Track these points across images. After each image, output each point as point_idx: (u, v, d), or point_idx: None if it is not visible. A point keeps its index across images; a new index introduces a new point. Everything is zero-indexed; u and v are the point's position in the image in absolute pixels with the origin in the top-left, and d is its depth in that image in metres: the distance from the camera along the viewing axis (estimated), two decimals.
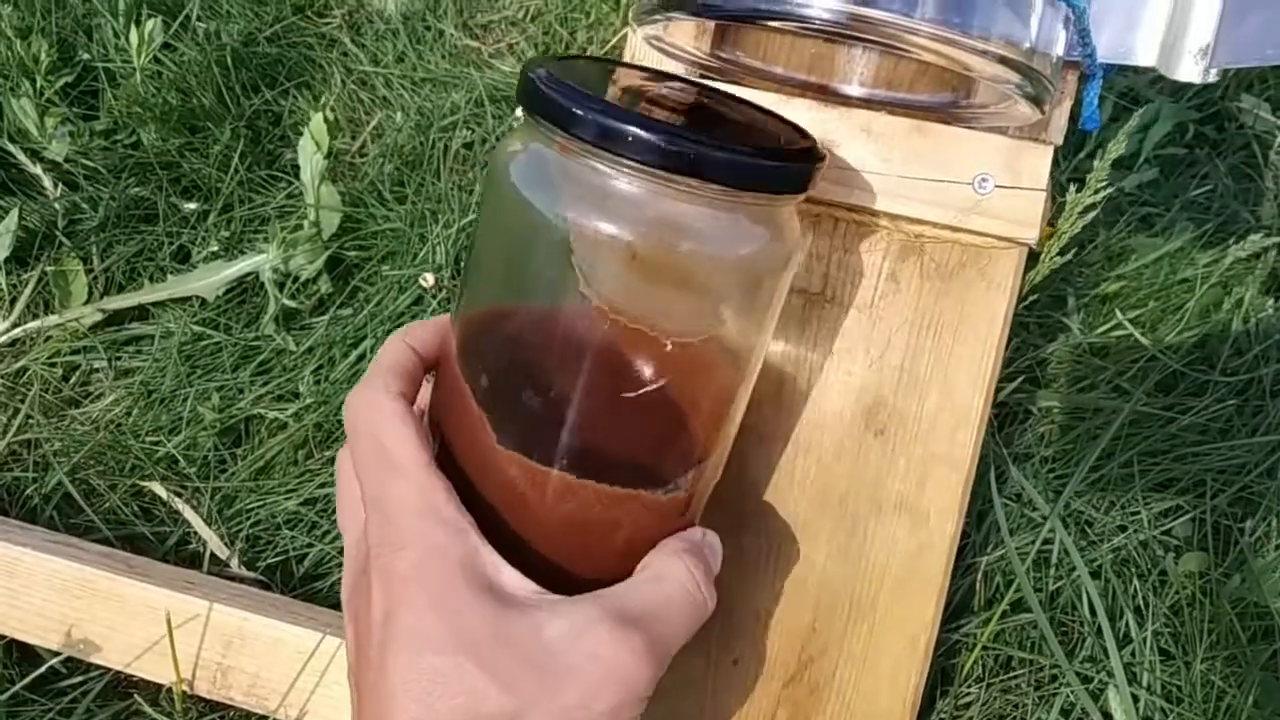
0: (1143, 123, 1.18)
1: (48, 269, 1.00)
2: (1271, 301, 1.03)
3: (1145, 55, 0.55)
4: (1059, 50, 0.52)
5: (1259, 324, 1.00)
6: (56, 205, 1.05)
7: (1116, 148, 0.67)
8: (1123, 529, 0.85)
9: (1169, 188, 1.20)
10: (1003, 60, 0.47)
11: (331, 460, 0.90)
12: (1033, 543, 0.80)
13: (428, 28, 1.31)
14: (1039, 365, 0.95)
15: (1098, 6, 0.55)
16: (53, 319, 0.98)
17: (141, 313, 1.00)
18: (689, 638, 0.46)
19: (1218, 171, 1.22)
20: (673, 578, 0.46)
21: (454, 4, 1.34)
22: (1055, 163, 0.59)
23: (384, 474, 0.43)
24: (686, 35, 0.55)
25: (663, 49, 0.59)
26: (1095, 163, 0.68)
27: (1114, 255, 1.09)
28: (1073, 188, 0.71)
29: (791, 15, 0.46)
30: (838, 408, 0.63)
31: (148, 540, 0.83)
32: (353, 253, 1.02)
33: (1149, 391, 0.93)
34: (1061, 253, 0.73)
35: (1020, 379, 0.94)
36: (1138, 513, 0.86)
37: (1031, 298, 0.92)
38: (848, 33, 0.46)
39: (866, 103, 0.59)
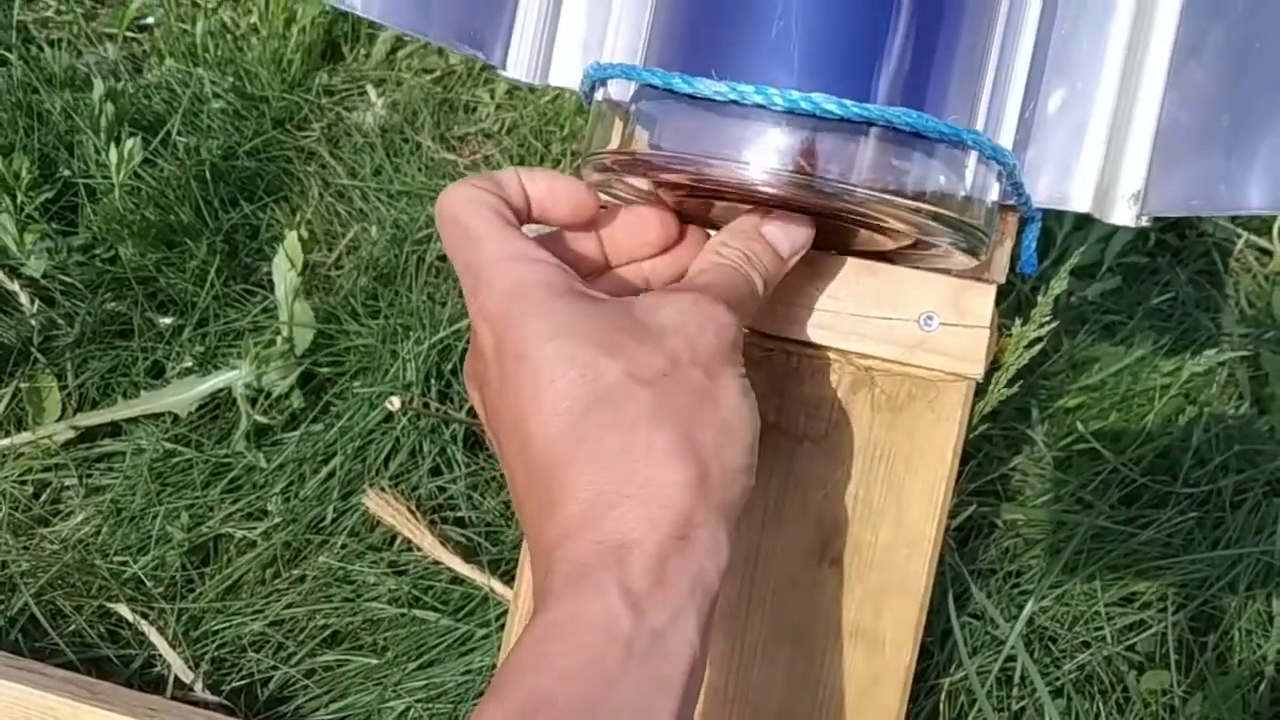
0: (1104, 231, 1.21)
1: (21, 385, 1.01)
2: (1232, 411, 1.05)
3: (1080, 202, 0.57)
4: (994, 197, 0.54)
5: (1220, 434, 1.02)
6: (33, 321, 1.06)
7: (1059, 284, 0.69)
8: (1086, 645, 0.86)
9: (1131, 295, 1.22)
10: (935, 217, 0.49)
11: (300, 579, 0.91)
12: (996, 660, 0.81)
13: (405, 140, 1.34)
14: (1002, 479, 0.96)
15: (1034, 155, 0.57)
16: (25, 436, 0.98)
17: (114, 429, 1.01)
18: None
19: (1179, 280, 1.25)
20: (728, 256, 0.51)
21: (431, 117, 1.37)
22: (999, 296, 0.61)
23: (468, 245, 0.46)
24: (639, 183, 0.57)
25: (612, 195, 0.61)
26: (1040, 297, 0.71)
27: (1078, 364, 1.11)
28: (1017, 321, 0.73)
29: (734, 177, 0.48)
30: (793, 538, 0.64)
31: (112, 664, 0.83)
32: (325, 369, 1.03)
33: (1112, 504, 0.94)
34: (1009, 384, 0.75)
35: (980, 494, 0.95)
36: (1101, 628, 0.87)
37: (981, 426, 0.94)
38: (787, 195, 0.48)
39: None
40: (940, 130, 0.47)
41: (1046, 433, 1.01)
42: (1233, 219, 1.31)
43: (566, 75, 0.62)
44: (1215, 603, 0.88)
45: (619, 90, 0.54)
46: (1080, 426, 0.99)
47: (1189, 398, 1.08)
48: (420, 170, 1.29)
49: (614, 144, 0.54)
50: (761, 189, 0.49)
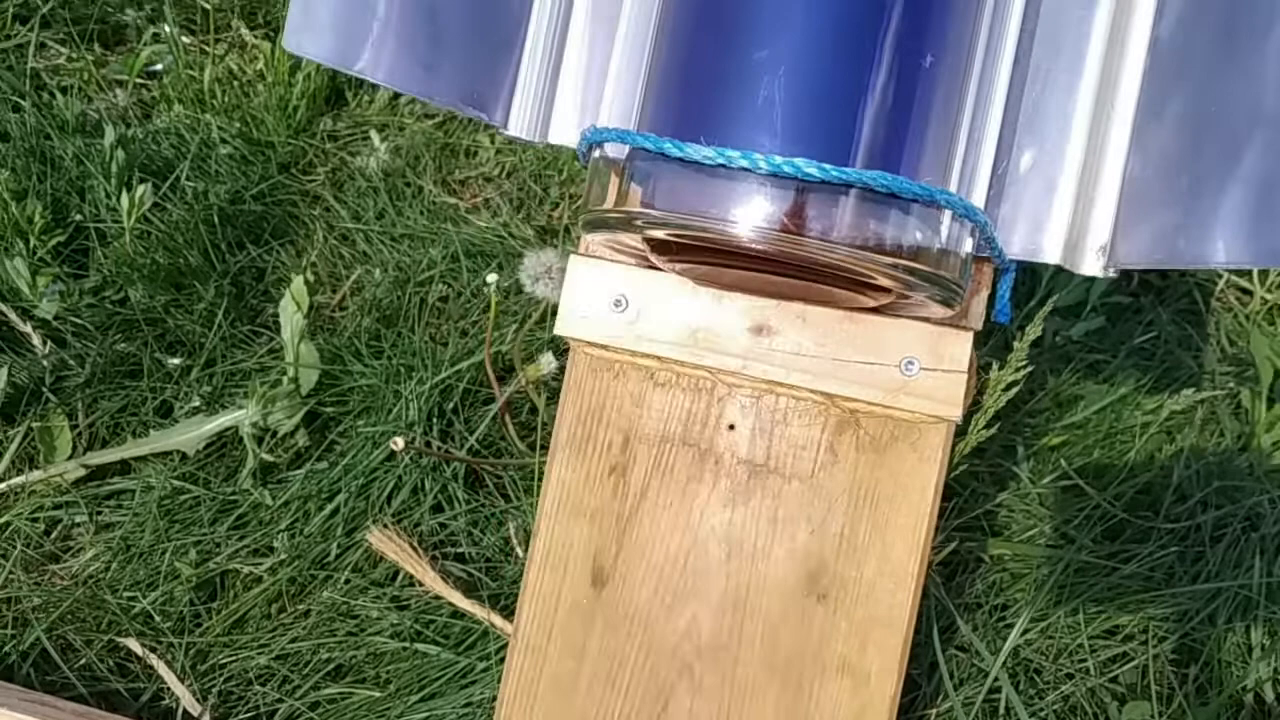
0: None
1: (34, 425, 1.04)
2: (1212, 448, 1.08)
3: (1051, 254, 0.60)
4: (967, 250, 0.57)
5: (1200, 471, 1.04)
6: (44, 362, 1.09)
7: (1034, 330, 0.72)
8: (1070, 677, 0.88)
9: (1115, 335, 1.26)
10: (913, 273, 0.52)
11: (304, 614, 0.93)
12: (980, 692, 0.83)
13: (408, 184, 1.38)
14: (988, 515, 0.99)
15: (1008, 210, 0.61)
16: (37, 474, 1.01)
17: (123, 467, 1.03)
18: None
19: (1161, 319, 1.28)
20: None
21: (433, 161, 1.41)
22: (977, 342, 0.64)
23: None
24: (634, 239, 0.60)
25: (614, 247, 0.64)
26: (1015, 343, 0.74)
27: (1063, 402, 1.14)
28: (995, 365, 0.76)
29: (724, 235, 0.51)
30: (782, 573, 0.66)
31: (122, 697, 0.86)
32: (330, 408, 1.06)
33: (1094, 539, 0.97)
34: (988, 425, 0.78)
35: (967, 530, 0.97)
36: (1084, 660, 0.89)
37: (961, 466, 0.97)
38: (773, 252, 0.51)
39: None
40: (915, 191, 0.51)
41: (1031, 469, 1.04)
42: None
43: (565, 134, 0.65)
44: (1196, 635, 0.91)
45: (615, 150, 0.57)
46: (1064, 463, 1.02)
47: (1170, 435, 1.11)
48: (422, 213, 1.33)
49: (610, 201, 0.57)
50: (749, 246, 0.52)
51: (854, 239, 0.52)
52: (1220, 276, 1.34)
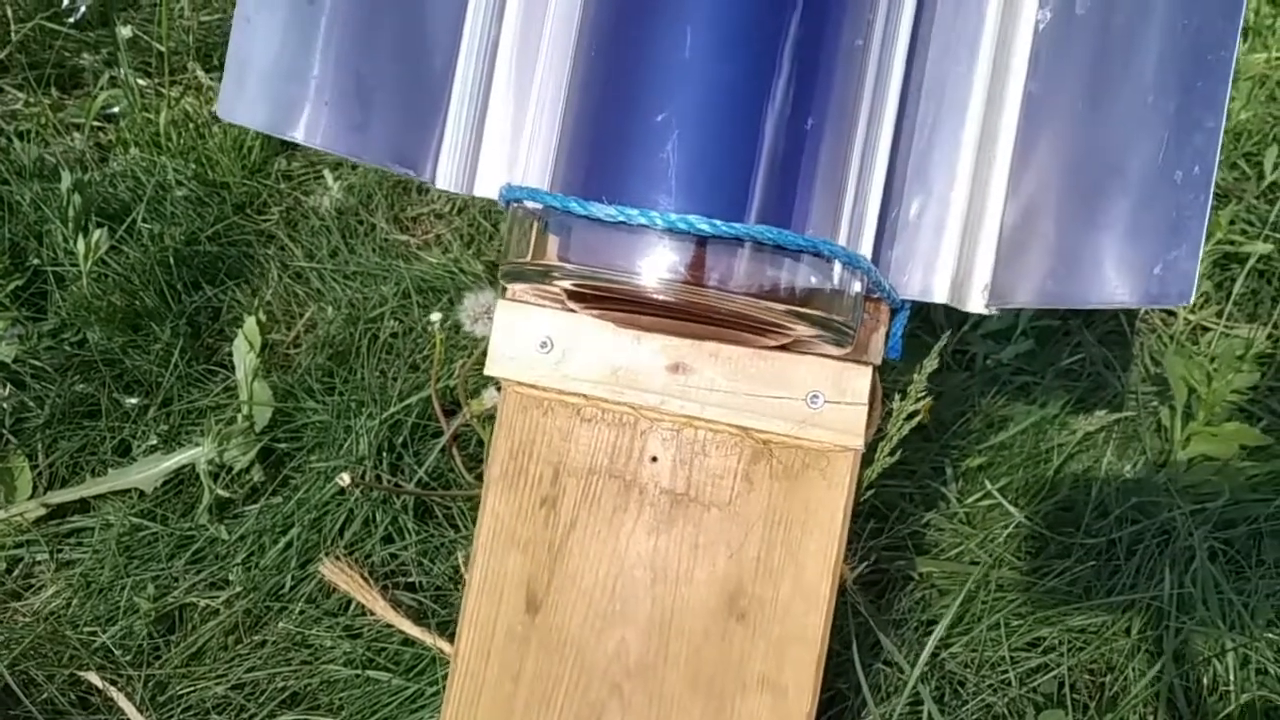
0: None
1: None
2: (1129, 467, 1.13)
3: (940, 293, 0.65)
4: (857, 291, 0.62)
5: (1119, 488, 1.10)
6: (4, 405, 1.12)
7: (931, 363, 0.77)
8: (993, 689, 0.93)
9: (1044, 357, 1.31)
10: (805, 318, 0.57)
11: (260, 645, 0.97)
12: (899, 704, 0.88)
13: (360, 222, 1.42)
14: (916, 535, 1.04)
15: (900, 252, 0.65)
16: None
17: (83, 506, 1.06)
18: None
19: (1088, 341, 1.33)
20: None
21: (385, 199, 1.45)
22: (876, 375, 0.68)
23: None
24: (551, 288, 0.64)
25: (536, 293, 0.69)
26: (915, 375, 0.78)
27: (993, 423, 1.19)
28: (897, 397, 0.81)
29: (630, 285, 0.56)
30: (704, 596, 0.71)
31: None
32: (284, 444, 1.10)
33: (1017, 554, 1.02)
34: (892, 453, 0.83)
35: (895, 549, 1.02)
36: (1006, 672, 0.94)
37: (870, 491, 1.01)
38: (675, 300, 0.56)
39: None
40: (800, 244, 0.55)
41: (960, 489, 1.09)
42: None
43: (490, 188, 0.69)
44: (1112, 645, 0.96)
45: (532, 203, 0.62)
46: (988, 483, 1.07)
47: (1092, 454, 1.16)
48: (374, 251, 1.37)
49: (529, 253, 0.62)
50: (654, 297, 0.57)
51: (749, 287, 0.56)
52: None
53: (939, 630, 0.90)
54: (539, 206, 0.61)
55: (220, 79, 1.57)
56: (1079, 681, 0.94)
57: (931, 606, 0.98)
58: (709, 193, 0.55)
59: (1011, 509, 1.05)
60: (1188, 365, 1.18)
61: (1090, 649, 0.96)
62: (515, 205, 0.63)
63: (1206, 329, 1.36)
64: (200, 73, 1.59)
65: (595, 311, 0.65)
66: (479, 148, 0.69)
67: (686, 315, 0.62)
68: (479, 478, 1.05)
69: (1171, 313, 1.40)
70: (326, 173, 1.47)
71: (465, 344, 1.19)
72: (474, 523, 1.05)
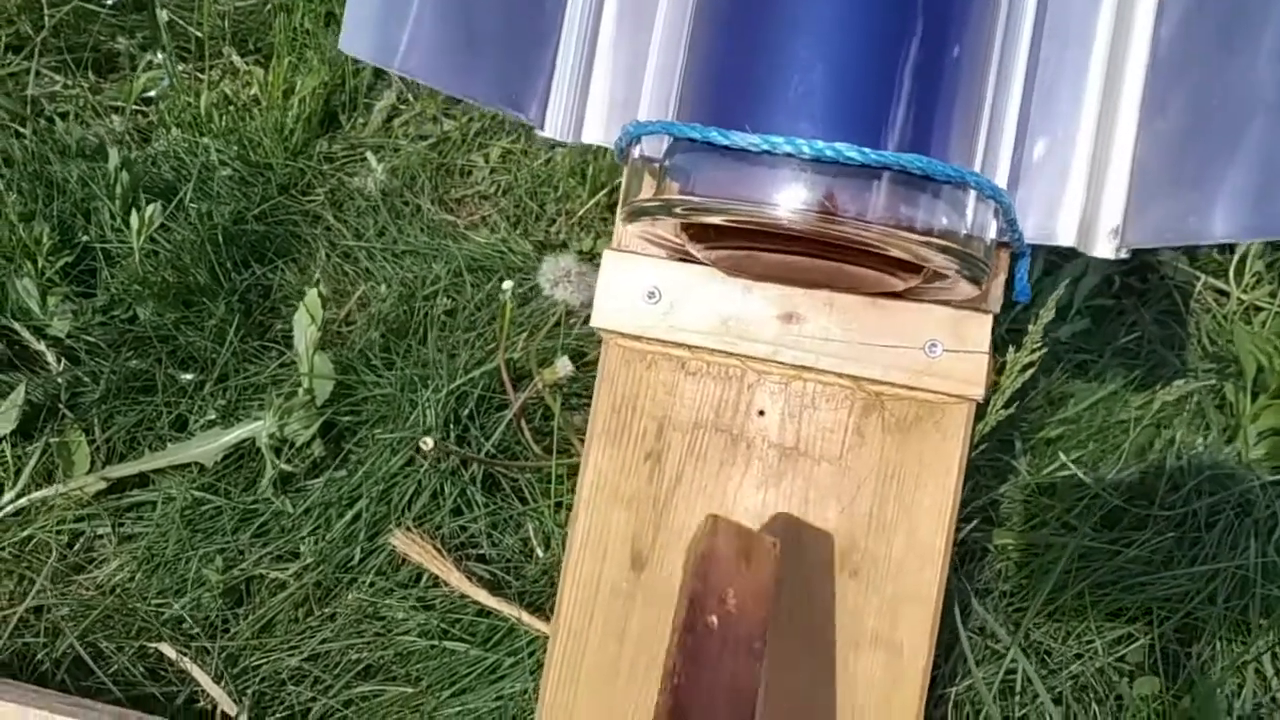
0: (1073, 276, 1.28)
1: (51, 440, 1.05)
2: (1200, 439, 1.12)
3: (1065, 236, 0.64)
4: (991, 234, 0.60)
5: (1190, 461, 1.08)
6: (59, 380, 1.10)
7: (1047, 314, 0.75)
8: (1079, 657, 0.91)
9: (1100, 335, 1.30)
10: (944, 250, 0.55)
11: (331, 617, 0.95)
12: (997, 673, 0.86)
13: (405, 203, 1.40)
14: (992, 506, 1.02)
15: (1023, 195, 0.64)
16: (57, 488, 1.02)
17: (142, 480, 1.05)
18: None
19: (1144, 320, 1.32)
20: None
21: (429, 180, 1.43)
22: (995, 324, 0.67)
23: None
24: (670, 230, 0.63)
25: (650, 239, 0.67)
26: (1030, 326, 0.77)
27: (1054, 400, 1.18)
28: (1011, 349, 0.80)
29: (765, 218, 0.54)
30: (815, 552, 0.69)
31: (157, 700, 0.87)
32: (345, 418, 1.08)
33: (1094, 527, 1.00)
34: (1006, 405, 0.81)
35: (977, 519, 1.01)
36: (1092, 641, 0.92)
37: (982, 445, 1.00)
38: (811, 232, 0.54)
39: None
40: (947, 173, 0.54)
41: (1029, 463, 1.07)
42: (1191, 261, 1.40)
43: (597, 132, 0.68)
44: (1197, 614, 0.94)
45: (652, 148, 0.60)
46: (1061, 455, 1.05)
47: (1160, 428, 1.15)
48: (422, 230, 1.35)
49: (649, 193, 0.60)
50: (789, 228, 0.55)
51: (887, 219, 0.55)
52: (1198, 279, 1.38)
53: (1038, 599, 0.88)
54: (660, 149, 0.59)
55: (257, 62, 1.55)
56: (1167, 649, 0.93)
57: (1012, 577, 0.97)
58: (852, 121, 0.54)
59: (1086, 479, 1.03)
60: (1256, 340, 1.17)
61: (1176, 618, 0.94)
62: (635, 152, 0.62)
63: (1260, 308, 1.35)
64: (236, 57, 1.58)
65: (715, 253, 0.64)
66: (586, 94, 0.68)
67: (813, 250, 0.60)
68: (547, 450, 1.04)
69: (1224, 292, 1.39)
70: (369, 155, 1.46)
71: (524, 319, 1.18)
72: (543, 495, 1.03)
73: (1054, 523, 1.01)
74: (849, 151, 0.52)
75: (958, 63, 0.56)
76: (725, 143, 0.54)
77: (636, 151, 0.62)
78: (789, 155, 0.53)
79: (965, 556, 0.98)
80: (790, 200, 0.54)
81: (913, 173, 0.54)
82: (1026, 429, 1.11)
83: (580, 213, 1.41)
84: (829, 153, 0.52)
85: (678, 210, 0.58)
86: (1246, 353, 1.17)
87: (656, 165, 0.60)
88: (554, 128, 0.68)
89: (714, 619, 0.55)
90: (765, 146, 0.53)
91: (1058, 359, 1.24)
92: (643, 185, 0.62)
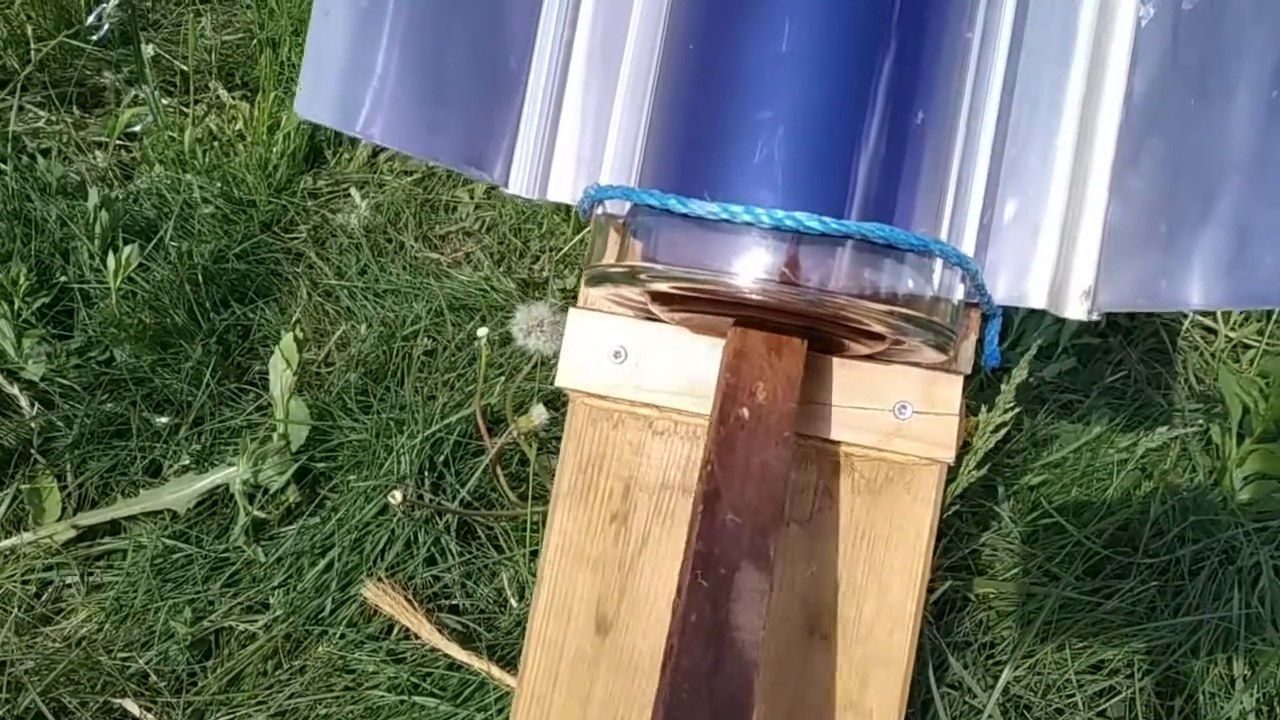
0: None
1: (22, 487, 1.04)
2: (1186, 483, 1.10)
3: (1037, 298, 0.63)
4: (959, 297, 0.59)
5: (1176, 506, 1.07)
6: (32, 424, 1.09)
7: (1020, 373, 0.74)
8: (1060, 712, 0.90)
9: (1087, 375, 1.29)
10: (908, 319, 0.54)
11: (301, 670, 0.93)
12: None
13: (389, 240, 1.39)
14: (973, 555, 1.01)
15: (993, 256, 0.63)
16: (26, 536, 1.01)
17: (114, 527, 1.03)
18: None
19: (1130, 359, 1.31)
20: None
21: (414, 216, 1.43)
22: (966, 385, 0.66)
23: None
24: (634, 292, 0.62)
25: (615, 300, 0.66)
26: (1004, 385, 0.76)
27: (1039, 441, 1.17)
28: (984, 409, 0.79)
29: (726, 286, 0.53)
30: (785, 614, 0.68)
31: None
32: (321, 464, 1.07)
33: (1078, 575, 0.99)
34: (979, 466, 0.80)
35: (953, 570, 0.99)
36: (1073, 695, 0.91)
37: (963, 493, 0.99)
38: (773, 302, 0.53)
39: None
40: (910, 242, 0.53)
41: (1012, 509, 1.06)
42: None
43: (564, 191, 0.67)
44: (1179, 667, 0.93)
45: (616, 206, 0.59)
46: (1044, 502, 1.04)
47: (1145, 472, 1.14)
48: (405, 269, 1.34)
49: (612, 255, 0.59)
50: (750, 297, 0.54)
51: (851, 288, 0.54)
52: (1186, 317, 1.38)
53: (1014, 657, 0.87)
54: (623, 209, 0.58)
55: (243, 97, 1.55)
56: (1148, 705, 0.91)
57: (993, 628, 0.96)
58: (813, 190, 0.53)
59: (1069, 527, 1.02)
60: (1241, 382, 1.16)
61: (1157, 672, 0.93)
62: (599, 210, 0.61)
63: (1249, 346, 1.34)
64: (222, 92, 1.58)
65: (679, 315, 0.63)
66: (552, 152, 0.67)
67: (778, 316, 0.59)
68: (522, 497, 1.03)
69: (1212, 330, 1.38)
70: (353, 191, 1.45)
71: (503, 361, 1.17)
72: (519, 543, 1.02)
73: (1036, 571, 1.00)
74: (809, 221, 0.51)
75: (921, 128, 0.55)
76: (684, 211, 0.53)
77: (600, 210, 0.61)
78: (748, 224, 0.52)
79: (945, 606, 0.97)
80: (751, 269, 0.53)
81: (875, 242, 0.53)
82: (1010, 474, 1.10)
83: (564, 250, 1.41)
84: (789, 222, 0.51)
85: (640, 278, 0.57)
86: (1232, 395, 1.16)
87: (620, 225, 0.59)
88: (519, 185, 0.67)
89: (745, 411, 0.58)
90: (724, 215, 0.52)
91: (1043, 400, 1.23)
92: (607, 243, 0.61)
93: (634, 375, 0.68)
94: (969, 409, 0.81)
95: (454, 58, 0.64)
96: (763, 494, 0.57)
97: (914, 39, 0.54)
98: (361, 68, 0.62)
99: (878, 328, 0.57)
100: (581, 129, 0.66)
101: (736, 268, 0.53)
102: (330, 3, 0.60)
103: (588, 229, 0.62)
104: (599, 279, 0.59)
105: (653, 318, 0.68)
